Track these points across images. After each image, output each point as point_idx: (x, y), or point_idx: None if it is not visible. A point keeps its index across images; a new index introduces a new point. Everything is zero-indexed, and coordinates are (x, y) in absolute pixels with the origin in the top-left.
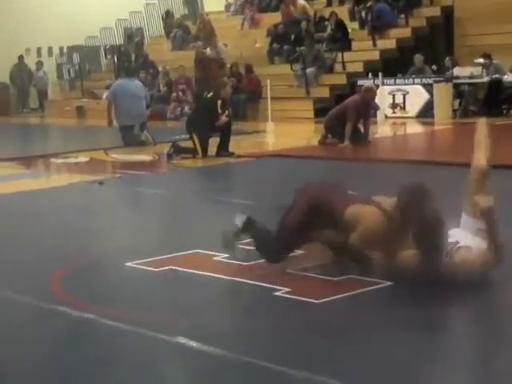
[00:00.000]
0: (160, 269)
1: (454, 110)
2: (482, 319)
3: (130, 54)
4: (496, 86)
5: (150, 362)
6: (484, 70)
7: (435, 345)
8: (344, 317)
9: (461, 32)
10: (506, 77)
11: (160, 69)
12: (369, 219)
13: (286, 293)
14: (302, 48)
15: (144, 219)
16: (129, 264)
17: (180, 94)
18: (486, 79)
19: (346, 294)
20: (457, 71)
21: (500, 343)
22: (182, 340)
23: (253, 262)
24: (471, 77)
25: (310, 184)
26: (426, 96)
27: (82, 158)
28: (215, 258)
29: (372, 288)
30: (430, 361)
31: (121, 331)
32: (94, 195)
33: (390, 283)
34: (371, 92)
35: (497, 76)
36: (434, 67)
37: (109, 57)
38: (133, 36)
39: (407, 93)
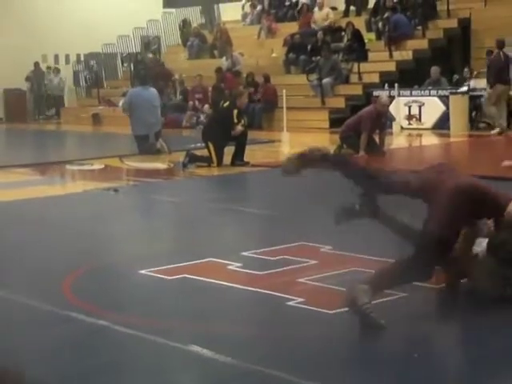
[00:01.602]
0: (173, 277)
1: (471, 122)
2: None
3: (146, 63)
4: None
5: (162, 370)
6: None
7: (451, 362)
8: (357, 329)
9: (478, 44)
10: None
11: (176, 77)
12: None
13: (299, 303)
14: (319, 58)
15: (158, 227)
16: (142, 271)
17: (196, 102)
18: None
19: None
20: (473, 83)
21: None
22: (195, 348)
23: (266, 272)
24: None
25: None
26: (442, 108)
27: (97, 165)
28: (229, 267)
29: (386, 299)
30: (446, 379)
31: (133, 338)
32: (109, 202)
33: (404, 294)
34: (383, 103)
35: None
36: (456, 76)
37: (125, 65)
38: (150, 44)
39: (423, 104)
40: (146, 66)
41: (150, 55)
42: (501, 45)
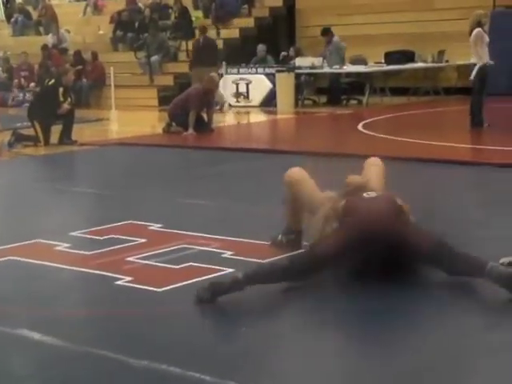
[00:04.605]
0: None
1: (297, 100)
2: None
3: None
4: (336, 76)
5: None
6: (327, 48)
7: (273, 331)
8: (185, 305)
9: (302, 23)
10: (345, 67)
11: (0, 54)
12: None
13: (128, 282)
14: (146, 35)
15: None
16: None
17: (22, 80)
18: (326, 69)
19: (187, 282)
20: (298, 61)
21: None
22: (23, 332)
23: (94, 251)
24: (312, 67)
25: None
26: (268, 85)
27: None
28: (57, 248)
29: (213, 275)
30: (267, 350)
31: None
32: None
33: (231, 269)
34: (213, 81)
35: (337, 67)
36: (284, 53)
37: None
38: None
39: (250, 82)
40: None
41: None
42: (203, 30)
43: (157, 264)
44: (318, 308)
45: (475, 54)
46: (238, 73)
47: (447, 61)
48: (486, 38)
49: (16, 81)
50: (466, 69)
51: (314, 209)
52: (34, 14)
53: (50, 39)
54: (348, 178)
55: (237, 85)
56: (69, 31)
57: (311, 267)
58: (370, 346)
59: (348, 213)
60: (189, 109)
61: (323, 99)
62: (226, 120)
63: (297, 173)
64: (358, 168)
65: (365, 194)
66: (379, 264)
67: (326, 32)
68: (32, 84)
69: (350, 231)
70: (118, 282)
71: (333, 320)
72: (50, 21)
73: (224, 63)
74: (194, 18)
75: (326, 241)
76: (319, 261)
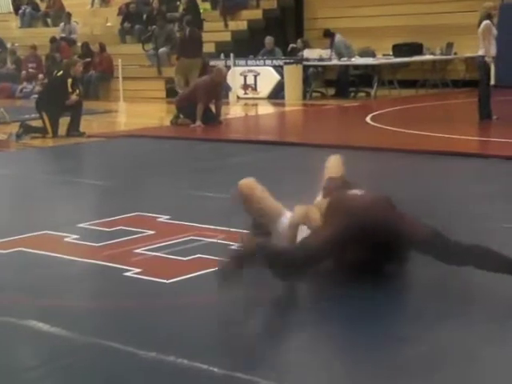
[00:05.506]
0: (8, 250)
1: (305, 92)
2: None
3: None
4: (345, 68)
5: None
6: (331, 50)
7: (280, 325)
8: (193, 296)
9: (311, 15)
10: (353, 59)
11: (8, 46)
12: None
13: (137, 273)
14: (154, 27)
15: None
16: None
17: (30, 71)
18: (334, 62)
19: (196, 274)
20: (307, 53)
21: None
22: (32, 322)
23: (103, 243)
24: (320, 59)
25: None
26: (276, 77)
27: None
28: (65, 239)
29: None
30: (274, 342)
31: None
32: None
33: None
34: (221, 73)
35: (345, 59)
36: (293, 45)
37: None
38: None
39: (258, 74)
40: None
41: None
42: (189, 24)
43: (165, 256)
44: (321, 304)
45: (482, 46)
46: (246, 65)
47: (456, 53)
48: (494, 31)
49: (24, 72)
50: (474, 61)
51: (275, 217)
52: (42, 6)
53: (60, 30)
54: (324, 182)
55: (245, 77)
56: (77, 23)
57: (306, 261)
58: (369, 342)
59: (334, 207)
60: (196, 101)
61: (331, 91)
62: (235, 112)
63: (247, 186)
64: (365, 160)
65: (350, 192)
66: (374, 256)
67: (328, 34)
68: (40, 75)
69: (339, 222)
70: (127, 274)
71: (334, 317)
72: (57, 12)
73: (232, 55)
74: (202, 10)
75: (316, 235)
76: (312, 255)
